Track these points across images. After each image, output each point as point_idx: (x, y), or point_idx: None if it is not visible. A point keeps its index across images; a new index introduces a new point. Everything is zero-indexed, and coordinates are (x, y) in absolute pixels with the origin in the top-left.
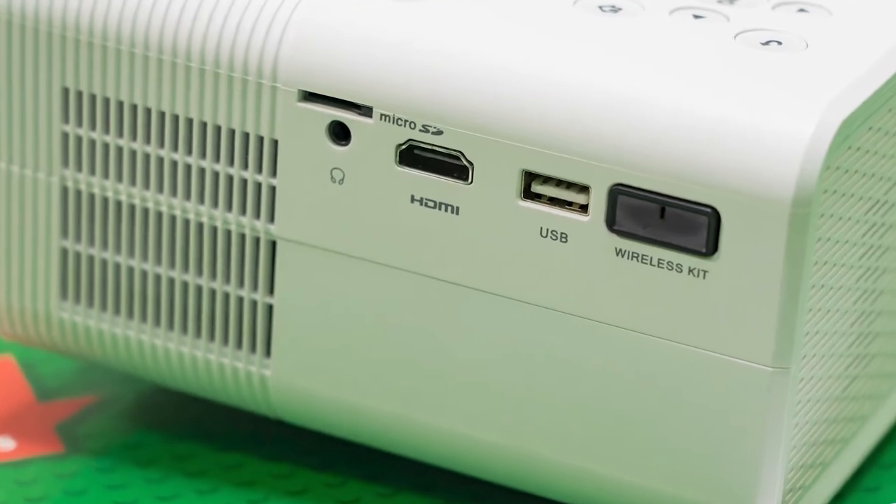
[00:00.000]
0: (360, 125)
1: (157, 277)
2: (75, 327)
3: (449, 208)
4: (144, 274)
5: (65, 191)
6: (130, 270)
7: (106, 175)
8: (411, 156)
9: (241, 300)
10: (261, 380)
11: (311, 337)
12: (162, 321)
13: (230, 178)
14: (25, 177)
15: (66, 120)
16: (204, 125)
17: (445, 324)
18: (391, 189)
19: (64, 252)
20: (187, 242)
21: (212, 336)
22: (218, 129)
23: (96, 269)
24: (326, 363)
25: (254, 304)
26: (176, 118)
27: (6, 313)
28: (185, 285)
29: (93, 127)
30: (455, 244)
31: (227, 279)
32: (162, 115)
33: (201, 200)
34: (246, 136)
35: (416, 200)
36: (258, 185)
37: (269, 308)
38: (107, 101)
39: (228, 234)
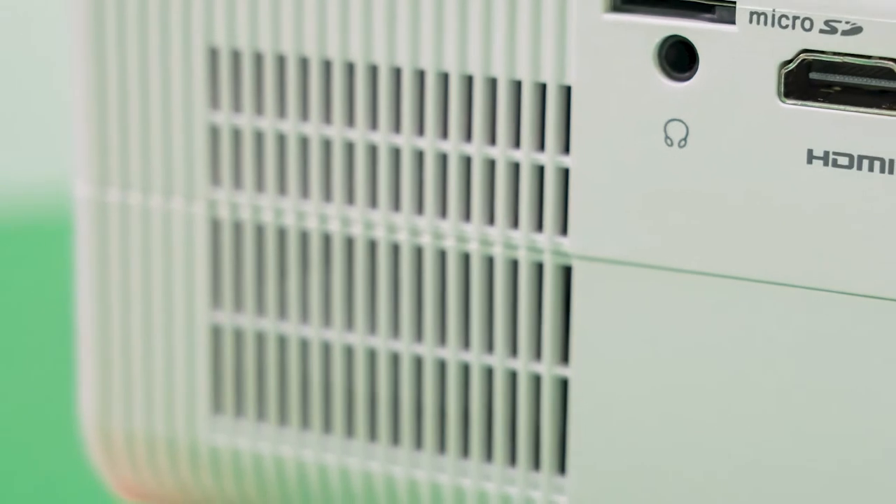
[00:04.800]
0: (714, 38)
1: (372, 355)
2: (237, 456)
3: (877, 165)
4: (349, 353)
5: (215, 224)
6: (327, 350)
7: (283, 190)
8: (804, 81)
9: (513, 377)
10: None
11: (618, 432)
12: (380, 435)
13: (490, 166)
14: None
15: (214, 103)
16: (445, 77)
17: None
18: (775, 144)
19: (216, 330)
20: (420, 293)
21: (464, 450)
22: (469, 80)
23: (269, 354)
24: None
25: (536, 381)
26: (397, 72)
27: (110, 449)
28: (417, 363)
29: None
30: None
31: (488, 346)
32: (374, 70)
33: (443, 213)
34: (517, 86)
35: (818, 158)
36: (537, 170)
37: (563, 385)
38: (282, 61)
39: (490, 262)
